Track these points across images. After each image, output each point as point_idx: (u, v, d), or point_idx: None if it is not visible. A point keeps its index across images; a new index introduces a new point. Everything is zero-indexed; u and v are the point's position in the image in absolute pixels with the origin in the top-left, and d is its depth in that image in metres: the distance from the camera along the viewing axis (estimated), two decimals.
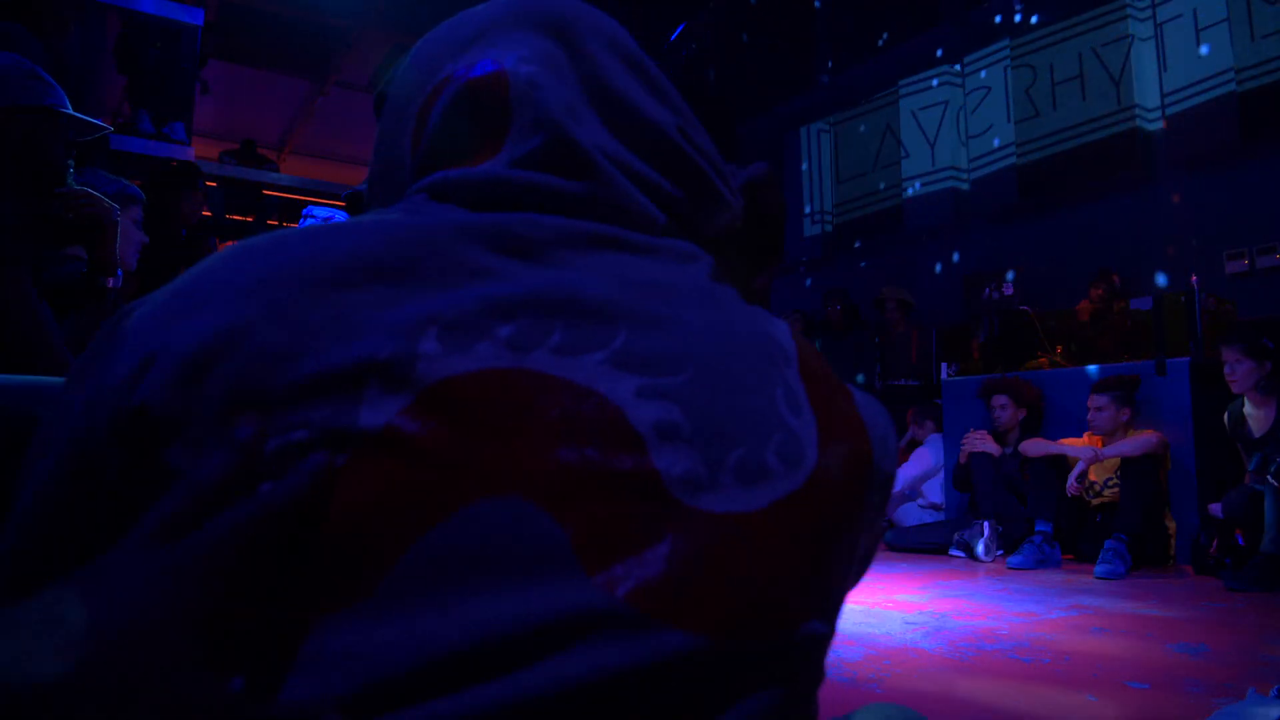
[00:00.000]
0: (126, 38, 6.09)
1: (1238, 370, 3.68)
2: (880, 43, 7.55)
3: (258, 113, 11.40)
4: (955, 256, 6.80)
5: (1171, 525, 4.06)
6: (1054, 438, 4.33)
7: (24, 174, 1.67)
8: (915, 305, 6.44)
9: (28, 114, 1.66)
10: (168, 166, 5.16)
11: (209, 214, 10.54)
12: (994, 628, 2.55)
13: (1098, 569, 3.62)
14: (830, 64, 8.10)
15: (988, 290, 5.21)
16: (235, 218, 10.57)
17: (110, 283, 1.82)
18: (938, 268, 6.86)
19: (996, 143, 6.45)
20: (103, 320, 1.80)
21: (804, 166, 8.20)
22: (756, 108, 8.84)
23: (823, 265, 7.99)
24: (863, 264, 7.60)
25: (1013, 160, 6.30)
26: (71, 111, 1.73)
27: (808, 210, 8.12)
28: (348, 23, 9.55)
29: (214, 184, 10.71)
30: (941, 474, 5.23)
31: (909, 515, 5.25)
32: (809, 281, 8.05)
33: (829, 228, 7.94)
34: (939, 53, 7.00)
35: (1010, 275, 5.53)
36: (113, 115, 6.37)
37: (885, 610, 2.85)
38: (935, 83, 6.98)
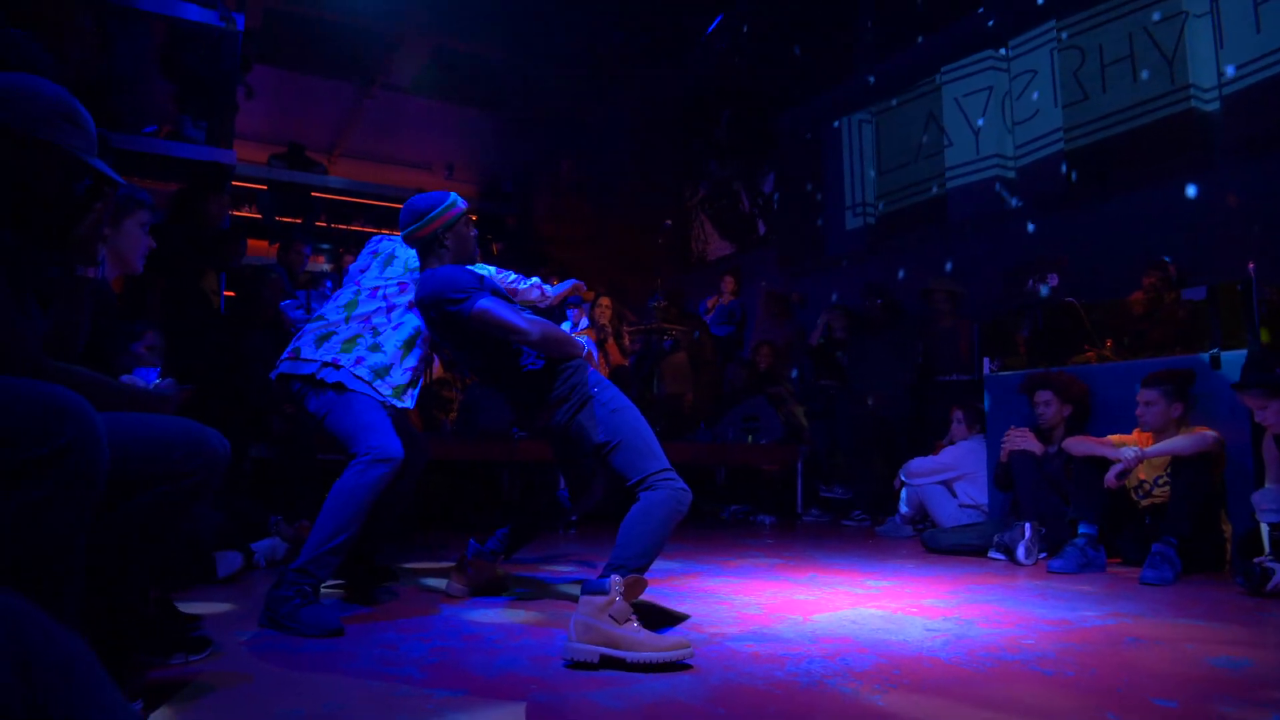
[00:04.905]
0: (171, 45, 6.21)
1: (1267, 414, 3.42)
2: (921, 28, 7.33)
3: (306, 116, 11.58)
4: (1000, 247, 6.57)
5: (1227, 528, 3.83)
6: (1104, 435, 4.12)
7: (21, 204, 1.64)
8: (965, 297, 6.25)
9: (44, 151, 1.64)
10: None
11: (258, 216, 10.77)
12: (1020, 637, 2.41)
13: (1144, 574, 3.43)
14: (871, 52, 7.91)
15: (1032, 281, 5.01)
16: (284, 219, 10.77)
17: (90, 272, 1.79)
18: (982, 259, 6.63)
19: (1044, 128, 6.20)
20: (81, 310, 1.77)
21: (845, 158, 8.02)
22: (796, 99, 8.68)
23: (865, 258, 7.80)
24: (906, 257, 7.40)
25: (1060, 146, 6.05)
26: (95, 162, 1.71)
27: (849, 203, 7.94)
28: (389, 26, 9.63)
29: (263, 186, 10.93)
30: (983, 472, 5.05)
31: (948, 514, 5.08)
32: (850, 275, 7.87)
33: (871, 220, 7.75)
34: (983, 36, 6.76)
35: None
36: (161, 121, 6.50)
37: (907, 616, 2.73)
38: (979, 68, 6.74)
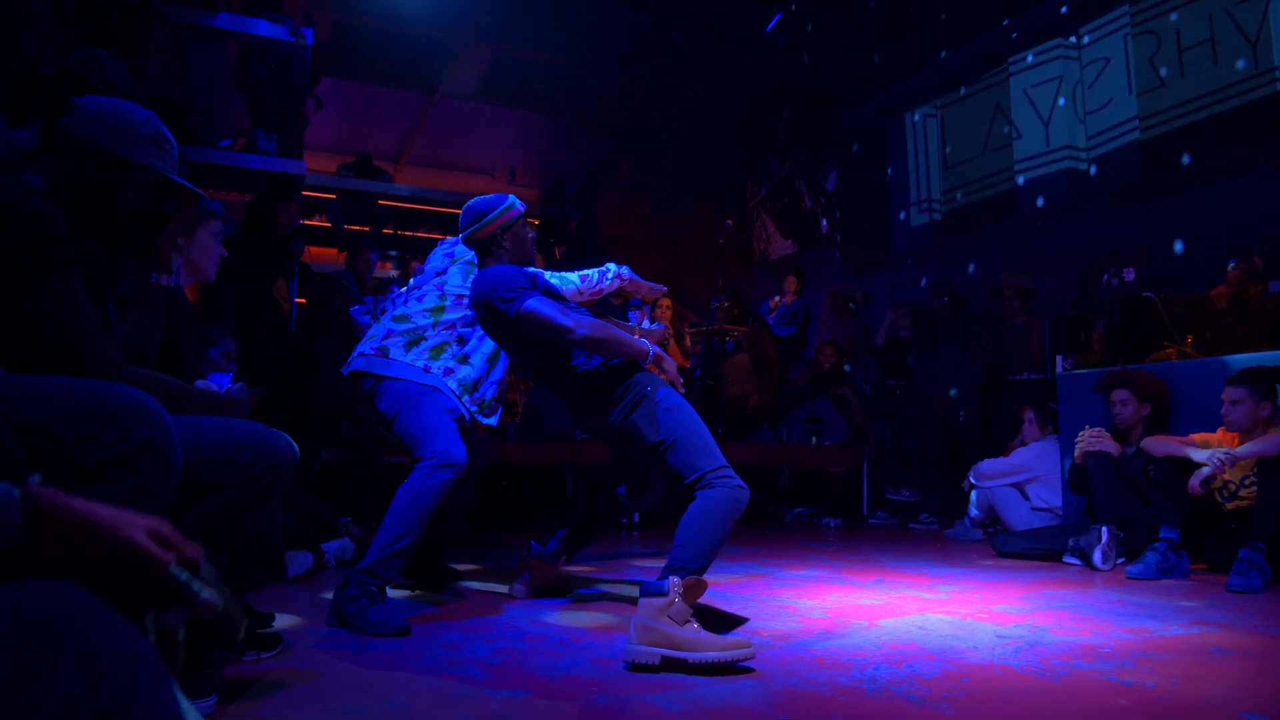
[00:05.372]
0: (244, 61, 6.41)
1: None
2: (987, 19, 7.14)
3: (373, 126, 11.87)
4: (1072, 241, 6.36)
5: None
6: (1185, 435, 3.95)
7: (106, 217, 1.73)
8: (1036, 293, 6.06)
9: (133, 170, 1.72)
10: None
11: (327, 224, 11.07)
12: (1097, 645, 2.33)
13: (1231, 581, 3.28)
14: (935, 45, 7.74)
15: (1107, 276, 4.83)
16: (352, 227, 11.05)
17: (163, 280, 1.86)
18: (1054, 254, 6.43)
19: (1118, 117, 5.98)
20: (156, 316, 1.84)
21: (910, 153, 7.87)
22: (858, 94, 8.55)
23: (931, 256, 7.64)
24: (974, 253, 7.22)
25: (1136, 135, 5.83)
26: (177, 178, 1.79)
27: (914, 199, 7.79)
28: (451, 35, 9.80)
29: (332, 195, 11.23)
30: (1056, 474, 4.89)
31: (1019, 518, 4.93)
32: (916, 273, 7.71)
33: (937, 216, 7.58)
34: (1052, 25, 6.55)
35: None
36: (235, 134, 6.72)
37: (977, 622, 2.65)
38: (1048, 57, 6.54)
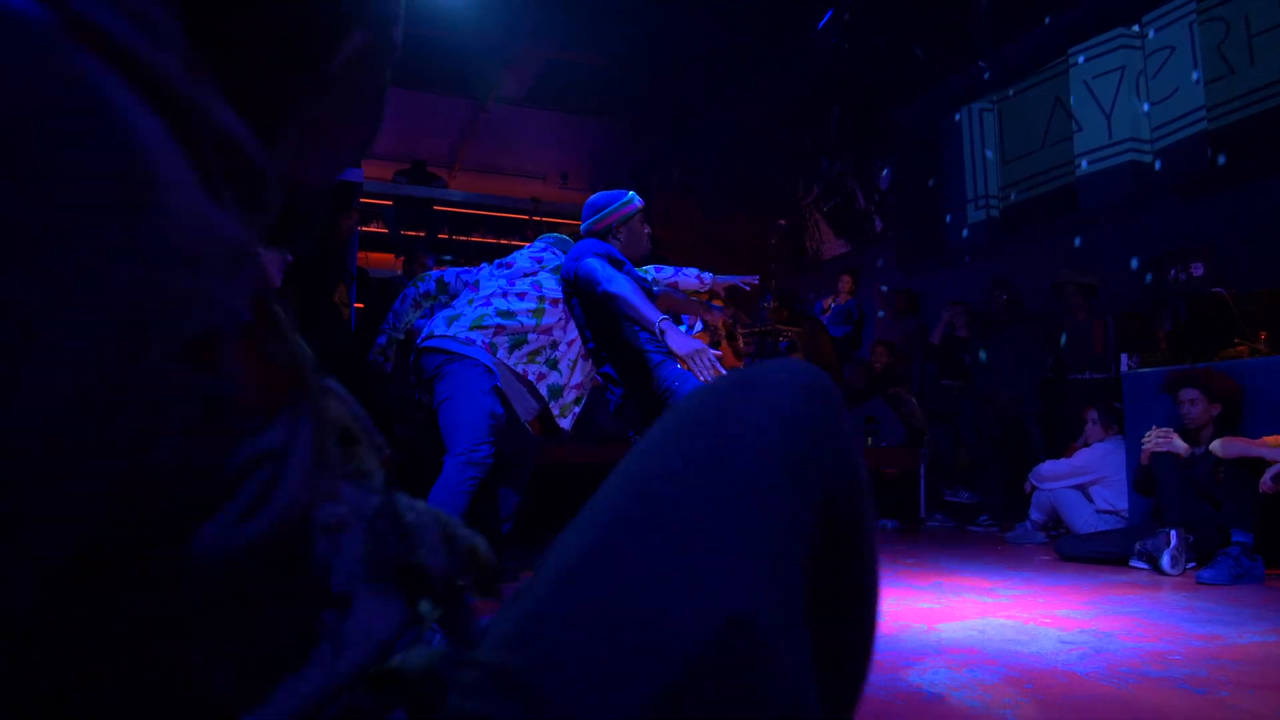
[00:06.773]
0: None
1: None
2: (1045, 9, 6.97)
3: (427, 133, 12.03)
4: (1137, 236, 6.17)
5: None
6: (1259, 435, 3.81)
7: None
8: (1099, 289, 5.90)
9: None
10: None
11: (384, 230, 11.29)
12: (1166, 651, 2.26)
13: None
14: (990, 38, 7.58)
15: (1173, 271, 4.68)
16: (408, 233, 11.24)
17: None
18: (1118, 249, 6.25)
19: (1184, 107, 5.78)
20: None
21: (965, 149, 7.72)
22: (912, 90, 8.41)
23: (988, 253, 7.48)
24: (1034, 249, 7.05)
25: (1204, 125, 5.63)
26: None
27: (970, 195, 7.64)
28: (502, 42, 9.89)
29: (388, 202, 11.43)
30: (1122, 476, 4.76)
31: (1083, 520, 4.81)
32: (974, 272, 7.56)
33: (994, 213, 7.43)
34: (1113, 14, 6.37)
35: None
36: None
37: (1039, 626, 2.60)
38: (1109, 47, 6.36)
